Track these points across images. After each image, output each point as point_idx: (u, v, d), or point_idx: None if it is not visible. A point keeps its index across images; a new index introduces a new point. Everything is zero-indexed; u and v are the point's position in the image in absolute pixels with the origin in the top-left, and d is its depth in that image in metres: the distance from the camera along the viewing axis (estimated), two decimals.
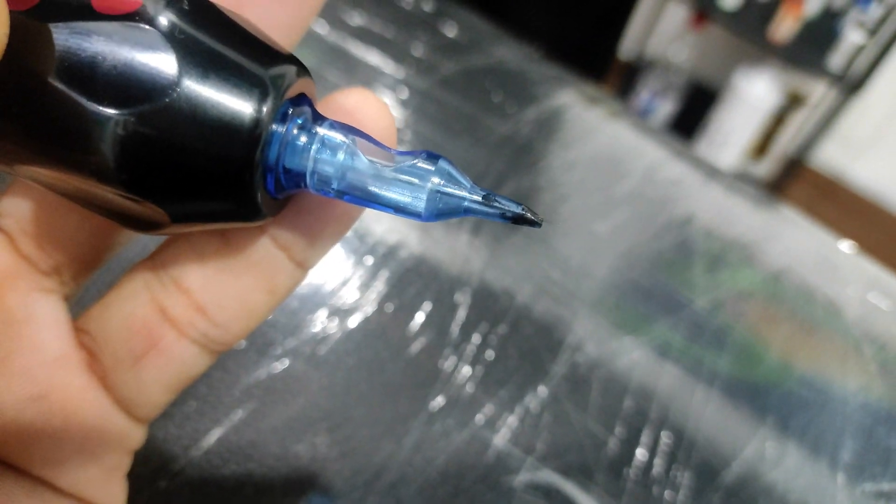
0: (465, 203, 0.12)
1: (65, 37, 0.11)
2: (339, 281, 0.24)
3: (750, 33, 1.38)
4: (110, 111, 0.11)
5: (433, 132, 0.30)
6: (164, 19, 0.11)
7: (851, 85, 1.31)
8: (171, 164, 0.11)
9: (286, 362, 0.22)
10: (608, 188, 0.31)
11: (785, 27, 1.35)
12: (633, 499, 0.22)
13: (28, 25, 0.11)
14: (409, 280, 0.25)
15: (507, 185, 0.29)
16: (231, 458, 0.20)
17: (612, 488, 0.22)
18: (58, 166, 0.11)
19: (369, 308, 0.24)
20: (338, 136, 0.12)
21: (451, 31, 0.36)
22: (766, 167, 1.61)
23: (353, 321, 0.24)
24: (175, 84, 0.11)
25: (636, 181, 0.32)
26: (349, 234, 0.24)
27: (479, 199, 0.12)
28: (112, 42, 0.11)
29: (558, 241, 0.28)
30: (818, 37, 1.36)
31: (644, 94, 1.65)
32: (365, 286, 0.24)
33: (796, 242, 0.32)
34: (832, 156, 1.61)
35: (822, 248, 0.32)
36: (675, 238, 0.30)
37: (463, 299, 0.25)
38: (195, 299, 0.13)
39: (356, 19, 0.34)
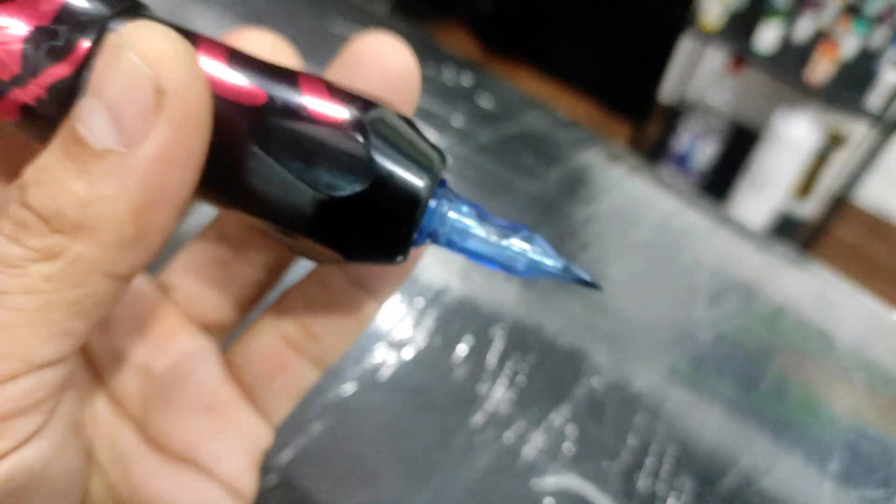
0: (551, 269, 0.16)
1: (285, 127, 0.14)
2: (395, 319, 0.30)
3: (788, 76, 1.41)
4: (316, 191, 0.15)
5: (472, 193, 0.36)
6: (363, 126, 0.15)
7: (891, 124, 1.33)
8: (359, 225, 0.15)
9: (354, 385, 0.27)
10: (624, 237, 0.36)
11: (822, 69, 1.37)
12: (642, 501, 0.27)
13: (254, 112, 0.15)
14: (453, 318, 0.30)
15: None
16: (310, 466, 0.25)
17: (624, 491, 0.27)
18: (263, 218, 0.15)
19: (420, 341, 0.29)
20: (466, 209, 0.16)
21: (487, 102, 0.41)
22: (811, 207, 1.62)
23: (407, 353, 0.29)
24: (368, 170, 0.15)
25: (650, 230, 0.36)
26: None
27: (561, 267, 0.16)
28: (322, 139, 0.15)
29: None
30: (855, 77, 1.38)
31: (685, 136, 1.68)
32: (416, 323, 0.30)
33: (795, 281, 0.36)
34: (877, 193, 1.62)
35: (820, 286, 0.36)
36: (682, 279, 0.34)
37: (498, 333, 0.30)
38: (310, 330, 0.18)
39: None
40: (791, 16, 1.43)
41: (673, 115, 1.90)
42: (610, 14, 1.88)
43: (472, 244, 0.16)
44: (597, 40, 1.95)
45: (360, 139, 0.15)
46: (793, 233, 1.61)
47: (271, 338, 0.18)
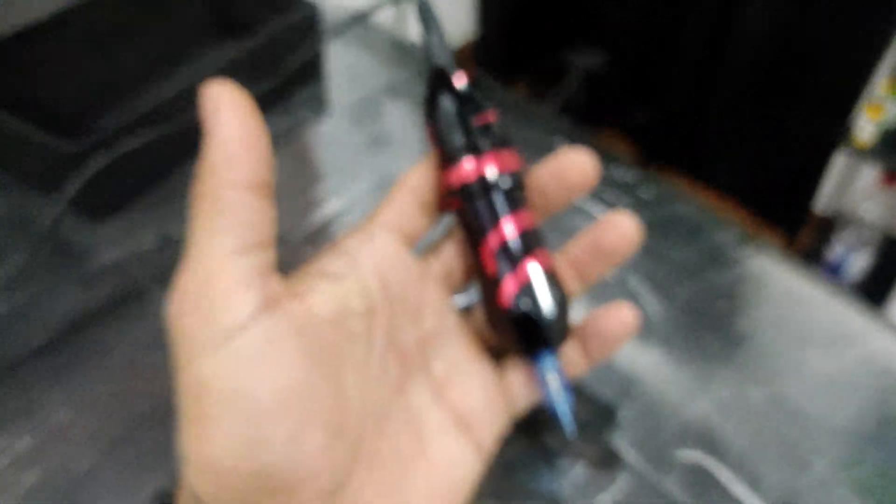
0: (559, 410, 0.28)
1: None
2: None
3: None
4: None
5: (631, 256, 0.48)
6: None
7: None
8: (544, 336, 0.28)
9: None
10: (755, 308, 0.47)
11: None
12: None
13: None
14: None
15: (679, 290, 0.46)
16: None
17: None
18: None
19: None
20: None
21: (645, 192, 0.54)
22: None
23: None
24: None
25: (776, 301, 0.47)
26: None
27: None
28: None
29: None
30: None
31: (838, 247, 1.70)
32: None
33: None
34: None
35: None
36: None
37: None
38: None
39: None
40: None
41: (827, 227, 1.92)
42: (765, 128, 1.95)
43: (544, 383, 0.28)
44: (752, 153, 2.02)
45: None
46: None
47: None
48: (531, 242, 0.28)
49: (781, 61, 1.80)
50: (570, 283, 0.31)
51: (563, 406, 0.28)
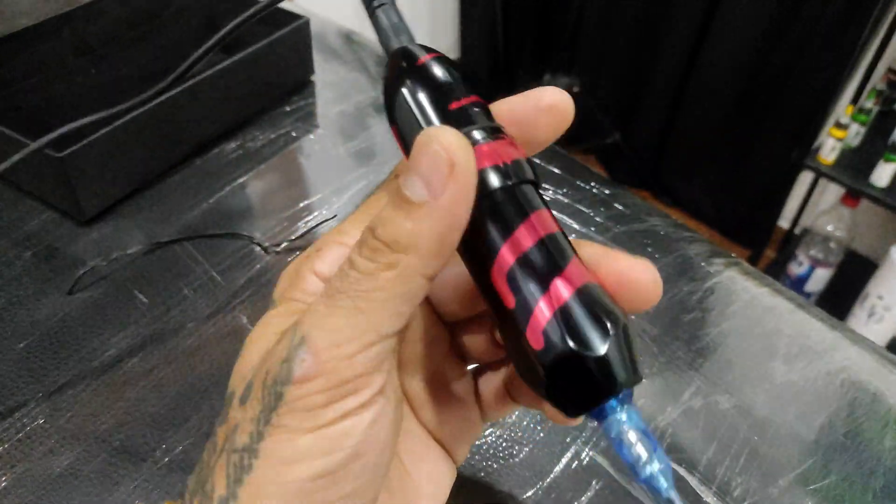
0: (662, 492, 0.19)
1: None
2: None
3: None
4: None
5: None
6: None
7: None
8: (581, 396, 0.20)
9: None
10: (720, 313, 0.48)
11: None
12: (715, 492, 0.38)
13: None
14: None
15: None
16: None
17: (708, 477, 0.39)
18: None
19: None
20: (633, 421, 0.20)
21: (620, 206, 0.56)
22: None
23: None
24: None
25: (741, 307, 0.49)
26: None
27: (667, 498, 0.19)
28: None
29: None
30: None
31: (802, 261, 1.74)
32: None
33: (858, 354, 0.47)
34: None
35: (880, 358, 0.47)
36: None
37: None
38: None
39: (559, 196, 0.56)
40: None
41: (790, 241, 1.97)
42: (733, 151, 2.00)
43: (618, 443, 0.20)
44: (719, 175, 2.07)
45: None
46: None
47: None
48: (558, 253, 0.20)
49: (749, 87, 1.85)
50: None
51: (656, 477, 0.19)
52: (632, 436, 0.19)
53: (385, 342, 0.20)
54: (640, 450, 0.19)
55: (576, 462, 0.39)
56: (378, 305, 0.20)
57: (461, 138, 0.19)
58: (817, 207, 1.95)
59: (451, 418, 0.28)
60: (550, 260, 0.20)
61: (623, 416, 0.19)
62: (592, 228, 0.54)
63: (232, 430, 0.21)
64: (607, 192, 0.57)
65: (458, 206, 0.20)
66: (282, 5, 0.62)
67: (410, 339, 0.26)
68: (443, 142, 0.19)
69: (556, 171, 0.59)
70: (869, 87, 1.64)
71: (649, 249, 0.52)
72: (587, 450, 0.39)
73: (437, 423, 0.27)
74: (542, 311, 0.19)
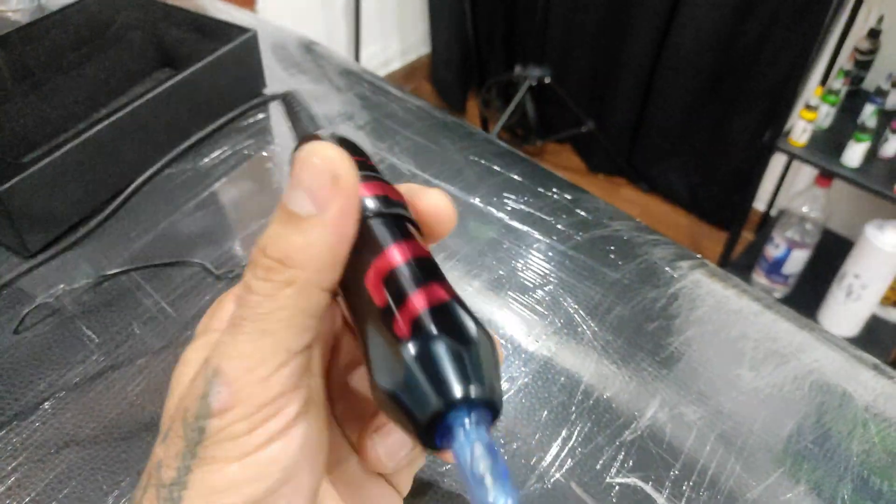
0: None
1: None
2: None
3: (876, 188, 1.48)
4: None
5: (568, 278, 0.49)
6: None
7: None
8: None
9: None
10: (685, 316, 0.48)
11: None
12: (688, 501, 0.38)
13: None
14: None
15: (615, 311, 0.47)
16: None
17: (675, 493, 0.38)
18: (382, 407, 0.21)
19: None
20: (484, 444, 0.19)
21: (582, 211, 0.55)
22: None
23: None
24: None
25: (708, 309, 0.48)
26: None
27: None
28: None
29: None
30: None
31: (779, 243, 1.75)
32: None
33: (826, 354, 0.46)
34: None
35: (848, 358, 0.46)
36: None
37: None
38: None
39: (521, 206, 0.54)
40: (879, 133, 1.52)
41: (767, 222, 1.97)
42: (706, 134, 2.00)
43: (464, 464, 0.18)
44: (694, 159, 2.07)
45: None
46: (884, 336, 1.64)
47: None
48: (425, 272, 0.22)
49: (718, 69, 1.85)
50: None
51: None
52: (480, 457, 0.18)
53: (297, 359, 0.21)
54: (486, 475, 0.18)
55: (540, 484, 0.38)
56: (283, 325, 0.20)
57: (341, 151, 0.20)
58: (792, 188, 1.95)
59: (392, 446, 0.26)
60: (416, 276, 0.21)
61: (473, 436, 0.19)
62: (554, 237, 0.52)
63: (156, 467, 0.21)
64: (569, 197, 0.56)
65: (346, 216, 0.20)
66: (226, 19, 0.60)
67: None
68: (323, 155, 0.20)
69: (517, 178, 0.57)
70: (836, 67, 1.65)
71: (612, 256, 0.51)
72: (552, 472, 0.38)
73: (377, 453, 0.26)
74: (415, 305, 0.20)
